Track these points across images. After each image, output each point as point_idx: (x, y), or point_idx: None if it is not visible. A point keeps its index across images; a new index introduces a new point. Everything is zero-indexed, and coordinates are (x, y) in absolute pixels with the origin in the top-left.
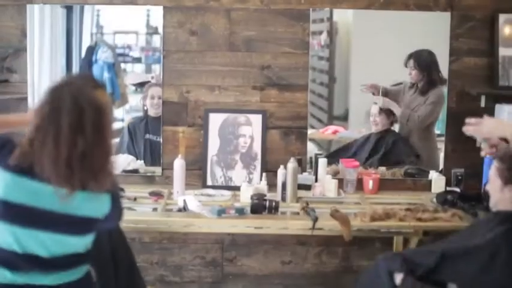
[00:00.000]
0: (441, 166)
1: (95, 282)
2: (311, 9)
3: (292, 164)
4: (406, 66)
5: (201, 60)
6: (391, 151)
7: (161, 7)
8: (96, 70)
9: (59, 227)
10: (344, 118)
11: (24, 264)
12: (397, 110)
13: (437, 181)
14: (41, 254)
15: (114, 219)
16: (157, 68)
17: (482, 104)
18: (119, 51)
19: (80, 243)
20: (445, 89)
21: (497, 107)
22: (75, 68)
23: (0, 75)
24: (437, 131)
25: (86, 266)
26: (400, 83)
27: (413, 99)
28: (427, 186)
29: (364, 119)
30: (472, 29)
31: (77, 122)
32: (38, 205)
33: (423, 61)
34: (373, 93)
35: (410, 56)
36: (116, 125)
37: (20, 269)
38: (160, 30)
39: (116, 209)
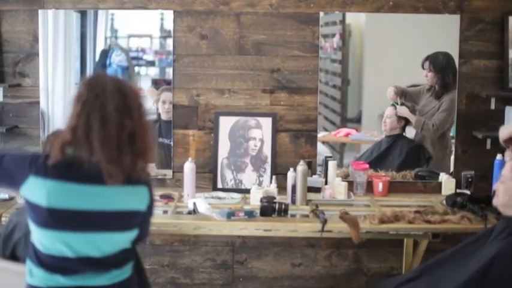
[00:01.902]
0: (451, 168)
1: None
2: (322, 13)
3: (302, 166)
4: (423, 68)
5: (211, 64)
6: (404, 159)
7: (171, 11)
8: (110, 73)
9: (106, 225)
10: (357, 120)
11: (77, 267)
12: (412, 118)
13: (447, 183)
14: (94, 254)
15: (153, 211)
16: (171, 72)
17: (492, 106)
18: (132, 54)
19: (128, 238)
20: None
21: (507, 109)
22: (89, 72)
23: (12, 79)
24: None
25: (132, 263)
26: (418, 85)
27: (428, 103)
28: (438, 189)
29: (377, 122)
30: (482, 31)
31: (123, 105)
32: (82, 207)
33: (439, 63)
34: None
35: (427, 58)
36: None
37: (73, 272)
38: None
39: (152, 203)
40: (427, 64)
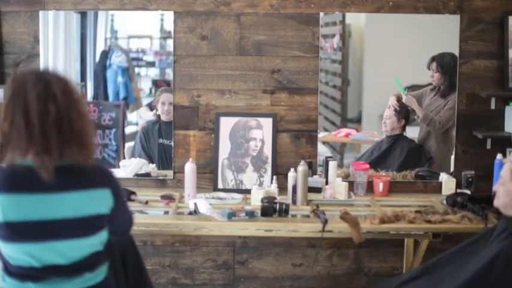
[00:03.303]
0: (452, 168)
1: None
2: (322, 13)
3: (302, 167)
4: (428, 68)
5: (212, 65)
6: (404, 159)
7: (172, 12)
8: (110, 74)
9: (67, 233)
10: (358, 121)
11: (45, 275)
12: (419, 111)
13: (447, 183)
14: (60, 262)
15: (123, 213)
16: (171, 72)
17: (492, 106)
18: (133, 55)
19: (95, 241)
20: None
21: (507, 109)
22: (90, 73)
23: None
24: None
25: (106, 265)
26: (418, 85)
27: (433, 102)
28: (438, 189)
29: (377, 122)
30: (482, 31)
31: (46, 92)
32: (38, 217)
33: (445, 64)
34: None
35: (433, 59)
36: (130, 129)
37: (43, 279)
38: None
39: (120, 202)
40: (433, 65)
